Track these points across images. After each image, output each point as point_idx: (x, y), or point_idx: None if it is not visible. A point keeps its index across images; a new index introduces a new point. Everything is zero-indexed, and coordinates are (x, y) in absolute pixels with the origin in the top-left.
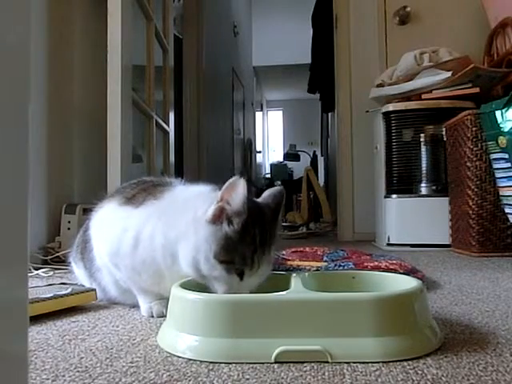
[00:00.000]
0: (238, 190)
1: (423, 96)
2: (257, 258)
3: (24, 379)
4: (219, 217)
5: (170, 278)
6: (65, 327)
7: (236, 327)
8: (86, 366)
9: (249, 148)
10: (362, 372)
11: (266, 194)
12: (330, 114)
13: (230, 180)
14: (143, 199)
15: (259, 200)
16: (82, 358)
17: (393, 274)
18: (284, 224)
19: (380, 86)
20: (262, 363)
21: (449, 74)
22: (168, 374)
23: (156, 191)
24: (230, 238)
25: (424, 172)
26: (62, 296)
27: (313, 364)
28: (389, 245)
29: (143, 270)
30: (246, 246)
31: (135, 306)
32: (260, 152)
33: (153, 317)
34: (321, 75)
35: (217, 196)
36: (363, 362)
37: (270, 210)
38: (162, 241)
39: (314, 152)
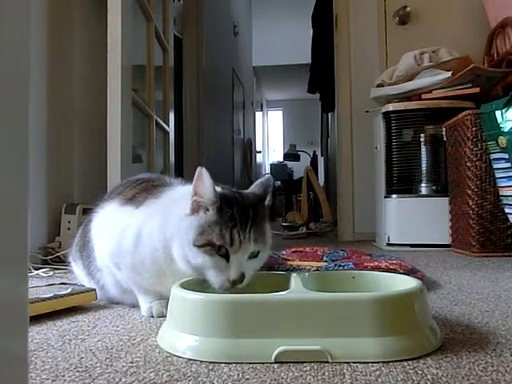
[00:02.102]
0: (204, 181)
1: (423, 96)
2: (237, 233)
3: (24, 379)
4: (197, 210)
5: (171, 277)
6: (65, 327)
7: (236, 327)
8: (86, 366)
9: (249, 148)
10: (361, 372)
11: (254, 184)
12: (330, 114)
13: (196, 172)
14: (143, 199)
15: (247, 191)
16: (82, 357)
17: (393, 274)
18: (284, 224)
19: (380, 85)
20: (262, 363)
21: (449, 73)
22: (168, 373)
23: (156, 191)
24: (206, 222)
25: (424, 172)
26: (62, 296)
27: (313, 364)
28: (389, 245)
29: (144, 269)
30: (222, 224)
31: (135, 305)
32: (260, 152)
33: (153, 317)
34: (321, 75)
35: (191, 191)
36: (363, 362)
37: (254, 195)
38: (162, 240)
39: (314, 152)
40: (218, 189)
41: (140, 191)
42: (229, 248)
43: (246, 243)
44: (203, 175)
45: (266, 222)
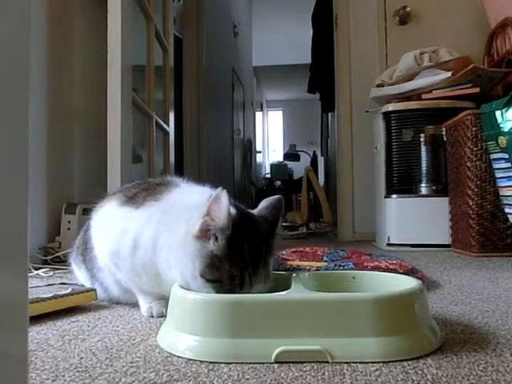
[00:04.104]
0: (220, 205)
1: (423, 96)
2: (248, 275)
3: (24, 379)
4: (205, 232)
5: (167, 281)
6: (65, 327)
7: (236, 327)
8: (86, 366)
9: (249, 148)
10: (361, 372)
11: (264, 204)
12: (329, 114)
13: (214, 193)
14: (143, 199)
15: (255, 211)
16: (82, 358)
17: (393, 274)
18: (284, 224)
19: (380, 85)
20: (262, 363)
21: (449, 73)
22: (168, 373)
23: (156, 191)
24: (216, 255)
25: (424, 172)
26: (62, 296)
27: (313, 364)
28: (389, 245)
29: (143, 272)
30: (233, 264)
31: (136, 305)
32: (260, 152)
33: (153, 317)
34: (321, 75)
35: (204, 210)
36: (363, 362)
37: (267, 222)
38: (163, 248)
39: (314, 152)
40: (232, 211)
41: (141, 190)
42: (238, 291)
43: (256, 285)
44: (221, 197)
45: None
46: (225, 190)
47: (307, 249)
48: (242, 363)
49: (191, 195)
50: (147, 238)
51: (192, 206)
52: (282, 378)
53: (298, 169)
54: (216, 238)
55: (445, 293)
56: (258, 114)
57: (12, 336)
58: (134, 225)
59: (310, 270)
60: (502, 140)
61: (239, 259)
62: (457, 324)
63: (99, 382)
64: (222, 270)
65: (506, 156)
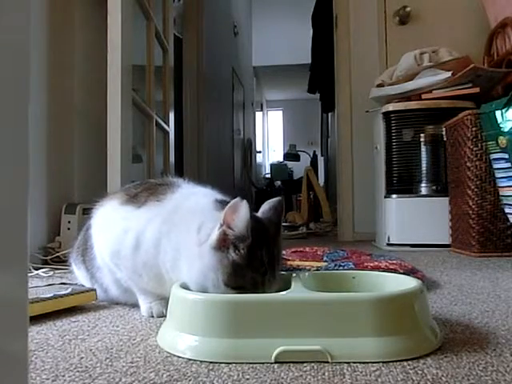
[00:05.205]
0: (240, 214)
1: (423, 96)
2: (267, 280)
3: (24, 379)
4: (224, 242)
5: (170, 281)
6: (65, 327)
7: (236, 327)
8: (86, 366)
9: (249, 148)
10: (361, 372)
11: (266, 207)
12: (329, 114)
13: (232, 202)
14: (145, 199)
15: (259, 215)
16: (82, 357)
17: (393, 274)
18: (284, 224)
19: (380, 85)
20: (262, 363)
21: (449, 73)
22: (168, 373)
23: (158, 192)
24: (238, 264)
25: (424, 172)
26: (61, 296)
27: (313, 364)
28: (389, 245)
29: (144, 272)
30: (255, 271)
31: (136, 305)
32: (260, 152)
33: (153, 317)
34: (321, 75)
35: (220, 218)
36: (363, 362)
37: (273, 224)
38: (168, 250)
39: (314, 152)
40: None
41: (143, 190)
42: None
43: (274, 285)
44: (242, 207)
45: None
46: (244, 200)
47: (307, 249)
48: (242, 363)
49: (195, 197)
50: (150, 239)
51: (199, 209)
52: (282, 378)
53: (298, 169)
54: (235, 247)
55: (445, 293)
56: (258, 114)
57: (12, 336)
58: (136, 224)
59: (310, 269)
60: (502, 140)
61: (260, 265)
62: (457, 324)
63: (99, 382)
64: (245, 277)
65: (506, 156)
